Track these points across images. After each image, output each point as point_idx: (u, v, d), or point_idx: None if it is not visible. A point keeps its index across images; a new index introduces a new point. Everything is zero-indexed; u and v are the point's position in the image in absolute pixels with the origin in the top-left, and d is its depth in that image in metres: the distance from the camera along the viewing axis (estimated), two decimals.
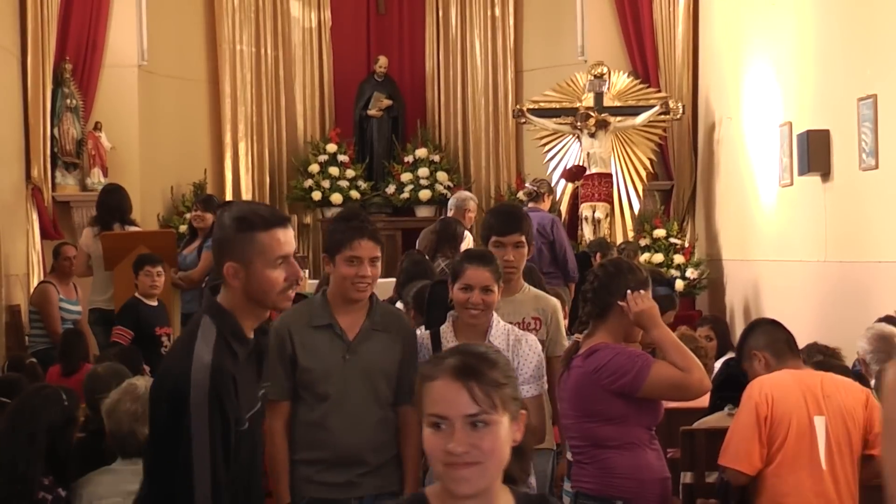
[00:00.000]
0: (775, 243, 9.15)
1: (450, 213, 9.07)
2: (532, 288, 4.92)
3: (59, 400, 4.15)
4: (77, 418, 4.34)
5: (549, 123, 11.42)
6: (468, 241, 8.95)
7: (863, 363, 5.32)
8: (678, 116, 11.27)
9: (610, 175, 11.02)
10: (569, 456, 4.25)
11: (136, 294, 7.72)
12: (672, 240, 11.12)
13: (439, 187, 12.77)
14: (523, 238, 4.83)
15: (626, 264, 4.26)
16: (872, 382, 4.92)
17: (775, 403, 4.17)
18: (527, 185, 9.93)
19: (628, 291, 4.05)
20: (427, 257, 7.34)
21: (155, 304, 7.75)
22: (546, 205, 9.45)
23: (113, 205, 8.91)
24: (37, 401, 4.10)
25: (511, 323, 4.49)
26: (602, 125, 11.01)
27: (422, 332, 4.40)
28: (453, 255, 7.77)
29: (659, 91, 11.57)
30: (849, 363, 5.56)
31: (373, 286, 4.06)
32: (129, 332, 7.49)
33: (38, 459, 3.97)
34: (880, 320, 5.73)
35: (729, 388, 4.88)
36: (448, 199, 9.61)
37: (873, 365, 5.19)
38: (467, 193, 9.92)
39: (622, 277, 4.10)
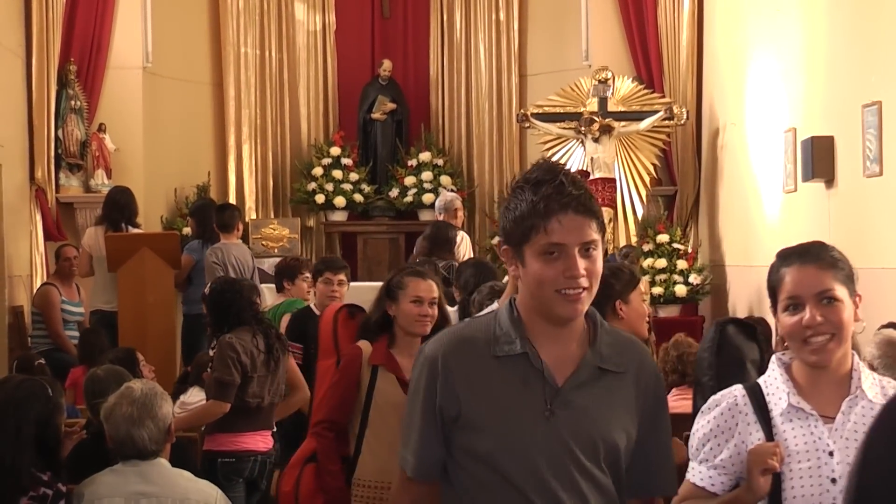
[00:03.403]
0: (779, 249, 9.13)
1: (439, 217, 9.08)
2: None
3: (43, 391, 4.16)
4: (63, 406, 4.34)
5: (553, 128, 11.42)
6: (466, 242, 8.97)
7: (870, 368, 5.32)
8: (682, 122, 11.27)
9: (613, 180, 11.02)
10: None
11: (311, 304, 6.95)
12: (675, 245, 11.11)
13: (442, 191, 12.77)
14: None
15: (608, 269, 4.26)
16: None
17: None
18: None
19: None
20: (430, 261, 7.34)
21: None
22: None
23: (124, 203, 9.03)
24: (21, 393, 4.10)
25: None
26: (606, 130, 11.01)
27: (734, 391, 2.87)
28: (450, 258, 7.79)
29: (663, 96, 11.57)
30: None
31: (589, 294, 2.51)
32: (298, 346, 6.64)
33: (25, 451, 3.97)
34: (884, 327, 5.73)
35: None
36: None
37: (881, 370, 5.20)
38: (452, 194, 9.95)
39: (606, 284, 4.11)
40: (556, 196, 2.44)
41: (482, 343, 2.53)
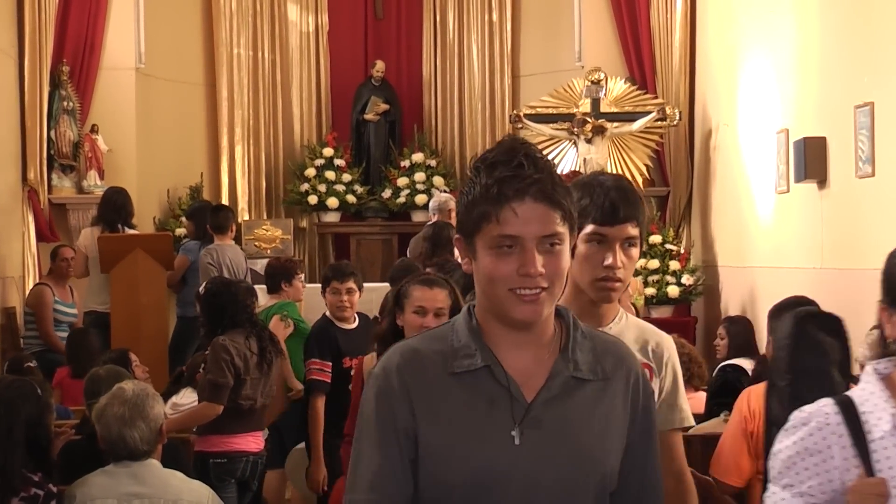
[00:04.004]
0: (771, 250, 9.16)
1: (433, 217, 9.07)
2: (632, 316, 3.13)
3: (33, 391, 4.17)
4: (52, 406, 4.35)
5: (546, 129, 11.42)
6: None
7: (860, 369, 5.34)
8: (675, 123, 11.27)
9: None
10: None
11: (326, 313, 6.33)
12: (668, 246, 11.12)
13: (435, 192, 12.76)
14: (638, 231, 3.03)
15: None
16: None
17: (762, 419, 4.17)
18: None
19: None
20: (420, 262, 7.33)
21: (350, 325, 6.25)
22: None
23: (120, 203, 9.03)
24: (11, 394, 4.11)
25: None
26: (599, 131, 11.02)
27: (824, 408, 2.40)
28: (450, 259, 7.78)
29: (656, 97, 11.58)
30: None
31: (549, 295, 2.15)
32: (328, 364, 6.05)
33: (15, 452, 3.97)
34: (875, 328, 5.74)
35: (725, 395, 4.89)
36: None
37: None
38: (446, 195, 9.94)
39: None
40: (513, 180, 2.09)
41: (437, 358, 2.16)
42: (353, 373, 4.84)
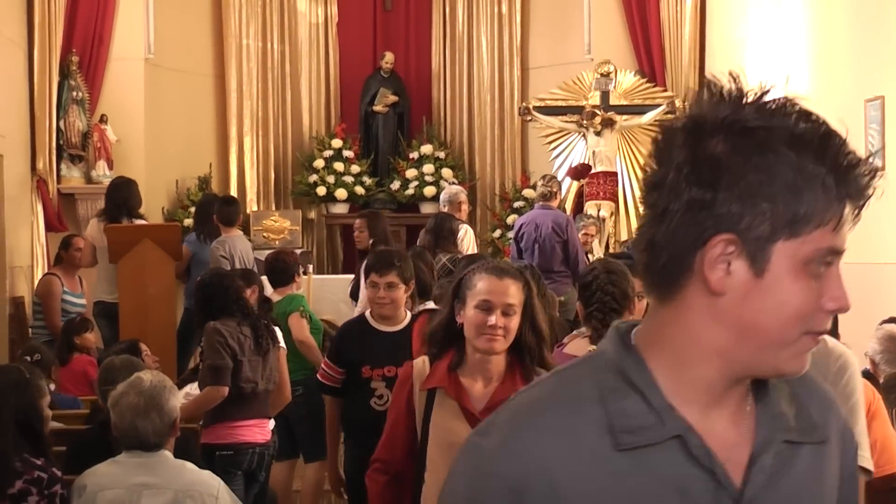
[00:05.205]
0: None
1: (444, 209, 9.08)
2: None
3: (21, 376, 4.19)
4: (44, 389, 4.37)
5: (555, 121, 11.42)
6: (469, 235, 8.97)
7: (872, 363, 5.35)
8: None
9: (615, 174, 11.02)
10: None
11: (366, 311, 5.34)
12: None
13: (444, 184, 12.75)
14: None
15: (629, 266, 4.24)
16: (881, 381, 4.94)
17: None
18: (539, 184, 9.92)
19: None
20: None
21: (391, 327, 5.12)
22: (556, 203, 9.48)
23: (120, 200, 9.01)
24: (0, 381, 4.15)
25: None
26: (608, 124, 11.01)
27: None
28: (454, 251, 7.77)
29: (665, 90, 11.57)
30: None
31: None
32: (339, 370, 5.11)
33: (7, 435, 3.99)
34: (885, 322, 5.74)
35: None
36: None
37: (883, 365, 5.21)
38: (457, 187, 9.94)
39: (629, 282, 4.12)
40: (866, 175, 1.40)
41: (590, 423, 1.34)
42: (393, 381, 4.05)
